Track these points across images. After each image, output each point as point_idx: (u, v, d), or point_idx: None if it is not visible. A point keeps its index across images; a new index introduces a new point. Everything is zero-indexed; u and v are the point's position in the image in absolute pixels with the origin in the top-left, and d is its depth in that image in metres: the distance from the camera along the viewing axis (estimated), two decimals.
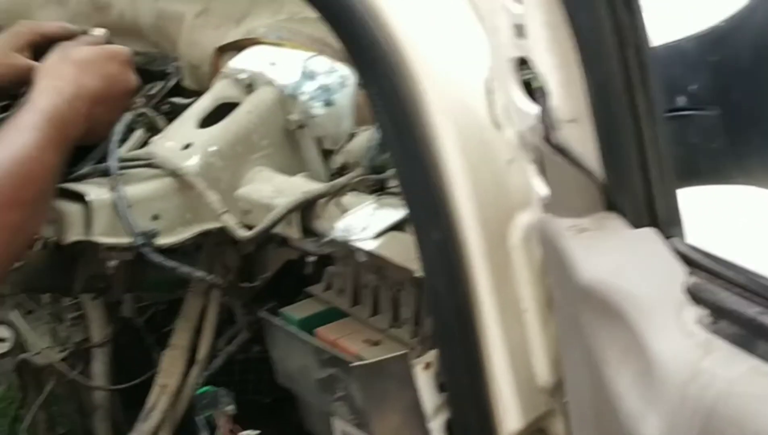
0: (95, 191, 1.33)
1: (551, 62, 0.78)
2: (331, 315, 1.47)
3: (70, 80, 1.37)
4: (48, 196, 1.28)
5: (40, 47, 1.47)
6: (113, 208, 1.33)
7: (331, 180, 1.45)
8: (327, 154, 1.47)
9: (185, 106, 1.70)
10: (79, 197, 1.34)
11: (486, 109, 1.05)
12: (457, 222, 1.07)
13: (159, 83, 1.72)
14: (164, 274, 1.50)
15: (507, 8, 0.79)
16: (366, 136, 1.40)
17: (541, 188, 0.89)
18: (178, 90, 1.72)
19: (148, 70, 1.75)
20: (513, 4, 0.78)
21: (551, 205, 0.88)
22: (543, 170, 0.88)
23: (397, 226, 1.25)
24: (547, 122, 0.81)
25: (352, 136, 1.44)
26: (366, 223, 1.25)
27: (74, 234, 1.32)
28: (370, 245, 1.22)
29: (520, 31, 0.80)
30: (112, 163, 1.34)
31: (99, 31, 1.55)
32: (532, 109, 0.84)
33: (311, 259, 1.48)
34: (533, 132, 0.84)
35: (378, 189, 1.35)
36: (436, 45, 1.04)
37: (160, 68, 1.74)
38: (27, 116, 1.29)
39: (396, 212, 1.25)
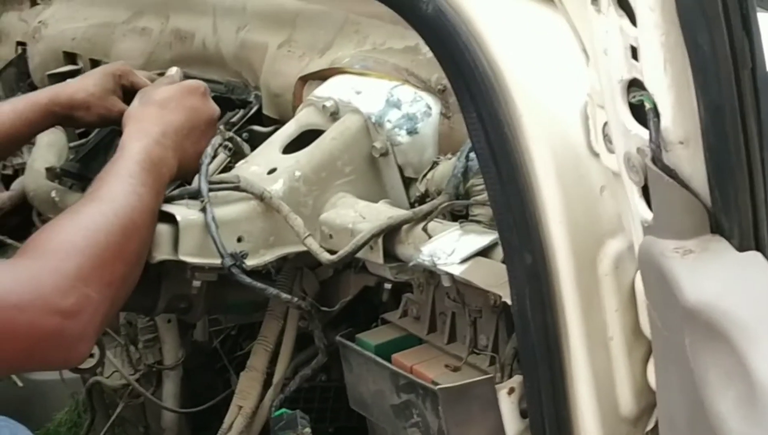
0: (184, 212, 1.36)
1: (665, 83, 0.80)
2: (408, 341, 1.47)
3: (155, 120, 1.44)
4: (149, 242, 1.32)
5: (127, 92, 1.58)
6: (201, 229, 1.35)
7: (413, 207, 1.47)
8: (409, 181, 1.49)
9: (265, 134, 1.73)
10: (166, 217, 1.37)
11: (582, 136, 1.07)
12: (549, 247, 1.09)
13: (240, 111, 1.75)
14: (244, 296, 1.53)
15: (622, 29, 0.80)
16: (449, 165, 1.42)
17: (644, 211, 0.90)
18: (258, 118, 1.75)
19: (230, 99, 1.79)
20: (628, 25, 0.80)
21: (654, 228, 0.88)
22: (647, 192, 0.89)
23: (483, 253, 1.26)
24: (656, 144, 0.83)
25: (434, 164, 1.45)
26: (452, 248, 1.26)
27: (162, 253, 1.35)
28: (456, 270, 1.23)
29: (633, 52, 0.81)
30: (202, 185, 1.37)
31: (172, 71, 1.64)
32: (641, 130, 0.85)
33: (388, 285, 1.50)
34: (640, 153, 0.86)
35: (461, 217, 1.36)
36: (534, 71, 1.06)
37: (241, 97, 1.78)
38: (121, 164, 1.34)
39: (481, 238, 1.26)
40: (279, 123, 1.72)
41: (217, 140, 1.46)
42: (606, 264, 1.10)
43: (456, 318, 1.41)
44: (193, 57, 1.89)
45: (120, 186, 1.30)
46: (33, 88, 2.29)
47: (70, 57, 2.16)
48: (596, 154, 1.06)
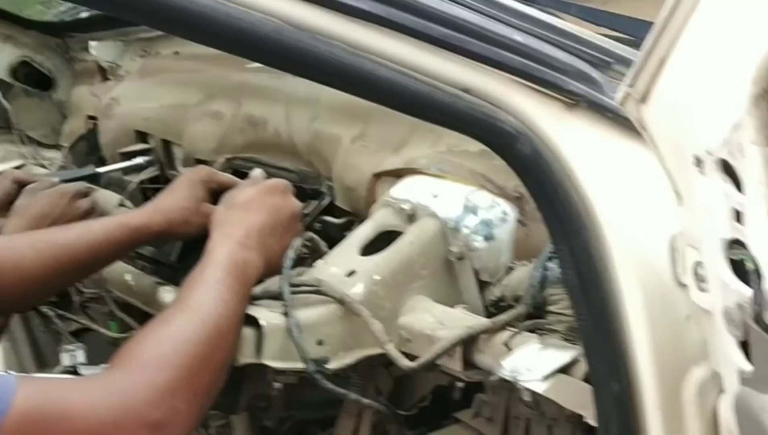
0: (267, 315, 1.38)
1: None
2: None
3: (238, 222, 1.47)
4: (234, 347, 1.34)
5: (214, 193, 1.62)
6: (284, 333, 1.38)
7: (487, 310, 1.49)
8: (483, 285, 1.50)
9: (337, 226, 1.76)
10: (249, 319, 1.39)
11: (669, 267, 1.09)
12: (635, 376, 1.10)
13: (312, 202, 1.78)
14: (321, 395, 1.55)
15: (727, 194, 0.82)
16: (524, 271, 1.43)
17: (741, 362, 0.91)
18: (330, 208, 1.78)
19: (302, 188, 1.82)
20: (733, 190, 0.82)
21: (753, 381, 0.90)
22: (746, 345, 0.90)
23: (563, 368, 1.27)
24: (758, 304, 0.84)
25: (510, 269, 1.47)
26: (533, 363, 1.27)
27: (246, 357, 1.37)
28: (539, 387, 1.24)
29: (737, 216, 0.83)
30: (284, 289, 1.39)
31: (256, 172, 1.66)
32: (741, 286, 0.87)
33: (460, 384, 1.52)
34: (741, 310, 0.87)
35: (540, 326, 1.37)
36: (624, 206, 1.09)
37: (314, 186, 1.81)
38: (208, 271, 1.37)
39: (562, 354, 1.28)
40: (351, 215, 1.75)
41: (297, 242, 1.49)
42: (690, 391, 1.12)
43: (531, 424, 1.42)
44: (266, 144, 1.93)
45: (207, 294, 1.33)
46: (102, 162, 2.34)
47: (142, 135, 2.21)
48: (683, 285, 1.08)
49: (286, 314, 1.39)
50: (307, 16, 0.90)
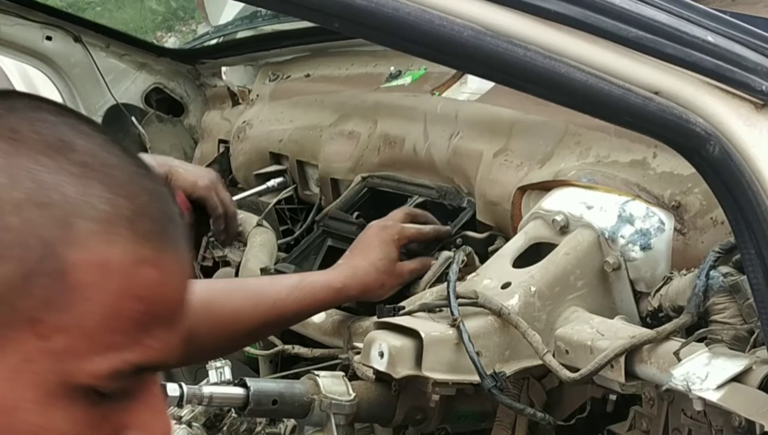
0: (427, 327, 1.39)
1: None
2: None
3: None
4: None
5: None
6: (444, 345, 1.39)
7: (643, 322, 1.47)
8: (639, 295, 1.49)
9: (479, 241, 1.76)
10: (410, 333, 1.40)
11: None
12: None
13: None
14: (474, 407, 1.56)
15: None
16: (684, 281, 1.41)
17: None
18: (471, 223, 1.78)
19: (442, 205, 1.83)
20: None
21: None
22: None
23: (736, 377, 1.25)
24: None
25: (667, 279, 1.45)
26: (704, 372, 1.25)
27: (405, 369, 1.38)
28: (713, 396, 1.23)
29: None
30: (452, 304, 1.40)
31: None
32: None
33: (613, 396, 1.50)
34: None
35: (705, 335, 1.35)
36: None
37: (454, 202, 1.82)
38: None
39: (734, 363, 1.26)
40: (492, 229, 1.75)
41: (460, 256, 1.50)
42: None
43: None
44: (402, 161, 1.94)
45: None
46: (234, 184, 2.39)
47: (275, 157, 2.25)
48: None
49: (455, 328, 1.39)
50: (504, 20, 0.91)
